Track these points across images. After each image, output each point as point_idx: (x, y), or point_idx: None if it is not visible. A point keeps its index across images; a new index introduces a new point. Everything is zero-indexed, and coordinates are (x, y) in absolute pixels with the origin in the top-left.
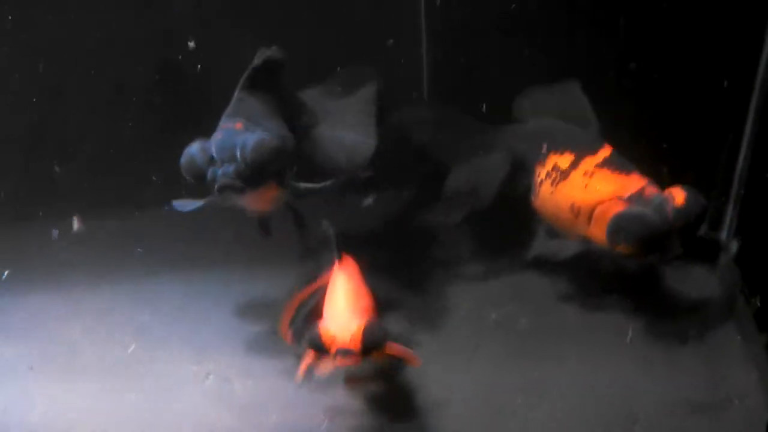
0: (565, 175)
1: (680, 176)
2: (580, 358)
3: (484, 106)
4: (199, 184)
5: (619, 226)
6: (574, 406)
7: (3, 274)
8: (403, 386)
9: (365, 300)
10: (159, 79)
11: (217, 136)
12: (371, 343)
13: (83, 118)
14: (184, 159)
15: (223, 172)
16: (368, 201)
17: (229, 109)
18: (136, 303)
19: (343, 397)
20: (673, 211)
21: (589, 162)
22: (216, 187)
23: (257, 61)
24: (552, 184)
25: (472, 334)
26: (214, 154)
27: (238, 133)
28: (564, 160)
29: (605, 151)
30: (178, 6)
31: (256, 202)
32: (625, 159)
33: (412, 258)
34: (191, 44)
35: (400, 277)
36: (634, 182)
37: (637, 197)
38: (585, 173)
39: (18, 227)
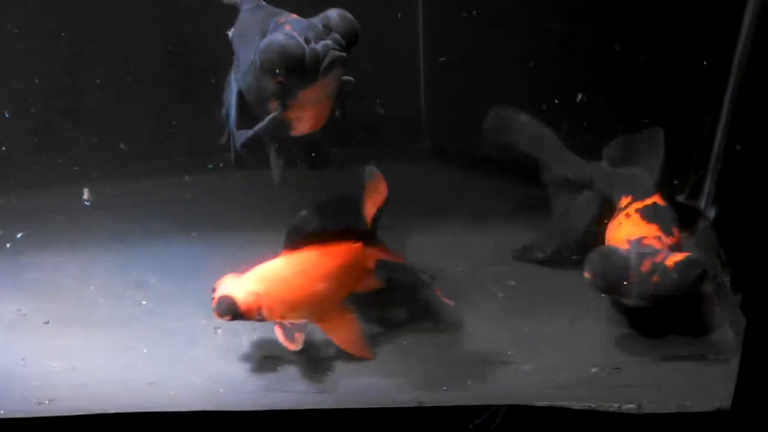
0: (617, 213)
1: (667, 151)
2: (567, 316)
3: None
4: (294, 71)
5: (588, 257)
6: (561, 357)
7: (17, 235)
8: (401, 341)
9: (300, 284)
10: (170, 51)
11: (287, 27)
12: (217, 310)
13: (97, 85)
14: (273, 50)
15: (324, 47)
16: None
17: (263, 14)
18: (148, 263)
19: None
20: (656, 266)
21: (634, 207)
22: (326, 61)
23: None
24: (612, 219)
25: (466, 292)
26: (306, 35)
27: (305, 20)
28: (624, 201)
29: (649, 200)
30: None
31: (327, 87)
32: (663, 210)
33: (410, 222)
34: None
35: (398, 238)
36: (647, 230)
37: (636, 242)
38: (626, 215)
39: (34, 191)
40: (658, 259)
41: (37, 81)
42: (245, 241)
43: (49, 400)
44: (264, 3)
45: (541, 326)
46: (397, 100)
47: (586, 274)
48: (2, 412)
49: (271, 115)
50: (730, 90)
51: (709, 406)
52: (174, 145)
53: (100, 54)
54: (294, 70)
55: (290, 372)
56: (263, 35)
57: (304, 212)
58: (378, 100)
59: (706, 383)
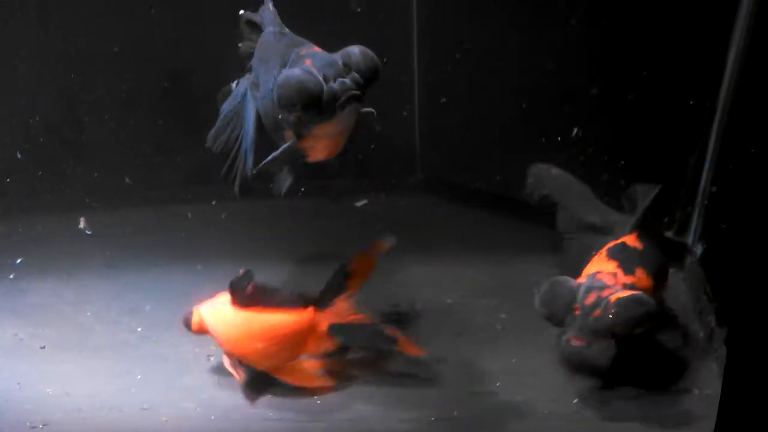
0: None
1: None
2: (556, 348)
3: None
4: (311, 108)
5: (540, 286)
6: (549, 389)
7: (16, 260)
8: (391, 370)
9: (242, 340)
10: (168, 83)
11: (307, 62)
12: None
13: (96, 116)
14: (291, 87)
15: (342, 87)
16: (362, 202)
17: (286, 41)
18: (143, 290)
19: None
20: (600, 301)
21: (608, 245)
22: (342, 100)
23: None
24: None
25: (456, 324)
26: (323, 73)
27: (324, 53)
28: None
29: (621, 240)
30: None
31: (343, 122)
32: (631, 250)
33: (402, 254)
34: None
35: (391, 270)
36: (606, 266)
37: (590, 276)
38: (599, 252)
39: (33, 218)
40: (604, 293)
41: (37, 112)
42: (234, 270)
43: (43, 425)
44: (288, 30)
45: (529, 358)
46: (391, 134)
47: (536, 302)
48: None
49: (285, 145)
50: (716, 126)
51: None
52: (171, 175)
53: (101, 86)
54: (310, 106)
55: (281, 400)
56: (284, 64)
57: (243, 270)
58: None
59: (689, 416)
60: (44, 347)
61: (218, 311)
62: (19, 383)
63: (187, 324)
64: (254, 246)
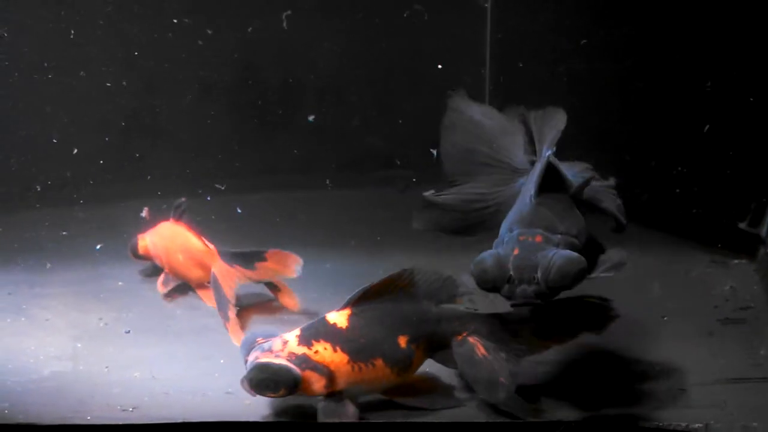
0: None
1: (730, 179)
2: (627, 335)
3: None
4: (487, 291)
5: None
6: (623, 379)
7: (97, 246)
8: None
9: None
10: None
11: (515, 252)
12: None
13: (173, 109)
14: (477, 268)
15: (521, 293)
16: (430, 192)
17: (525, 215)
18: None
19: None
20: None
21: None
22: (511, 304)
23: (548, 157)
24: None
25: None
26: (513, 273)
27: (538, 249)
28: None
29: (324, 316)
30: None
31: None
32: (327, 326)
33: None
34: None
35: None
36: (290, 334)
37: (270, 339)
38: None
39: (112, 207)
40: (261, 357)
41: (116, 103)
42: (314, 254)
43: (133, 408)
44: (538, 200)
45: (598, 345)
46: None
47: None
48: (89, 417)
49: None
50: None
51: None
52: (247, 163)
53: (182, 77)
54: (487, 291)
55: None
56: (509, 230)
57: (184, 198)
58: None
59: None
60: (129, 332)
61: (158, 231)
62: (107, 367)
63: (134, 249)
64: (321, 233)
